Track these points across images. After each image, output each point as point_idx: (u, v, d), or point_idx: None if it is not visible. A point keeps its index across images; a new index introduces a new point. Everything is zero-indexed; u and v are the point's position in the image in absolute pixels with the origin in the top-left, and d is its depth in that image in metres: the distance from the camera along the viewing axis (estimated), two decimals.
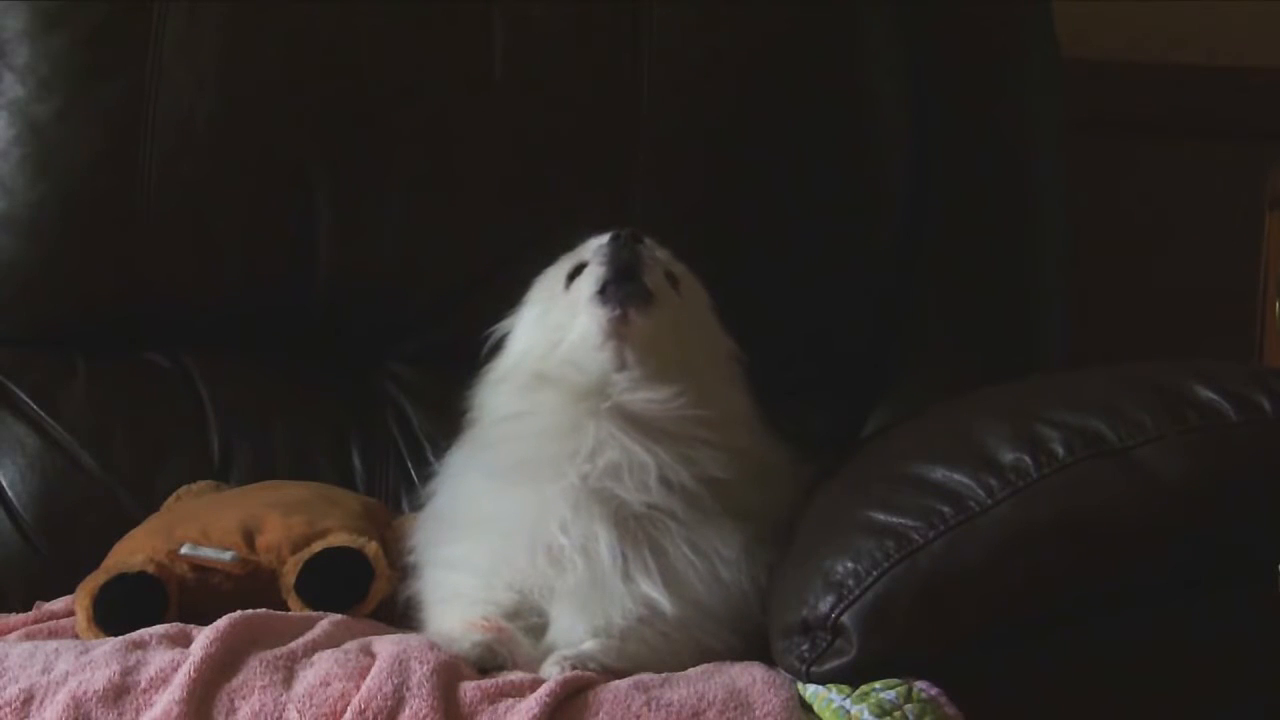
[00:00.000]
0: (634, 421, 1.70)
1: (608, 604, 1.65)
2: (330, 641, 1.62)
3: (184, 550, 1.83)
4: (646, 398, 1.70)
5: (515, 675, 1.57)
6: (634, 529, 1.68)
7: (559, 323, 1.77)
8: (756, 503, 1.72)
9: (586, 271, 1.76)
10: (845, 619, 1.54)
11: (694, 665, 1.61)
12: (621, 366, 1.72)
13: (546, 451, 1.71)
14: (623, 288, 1.73)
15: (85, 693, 1.50)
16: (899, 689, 1.51)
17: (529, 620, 1.68)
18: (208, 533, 1.85)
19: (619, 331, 1.72)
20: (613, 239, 1.76)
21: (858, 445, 1.94)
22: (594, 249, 1.77)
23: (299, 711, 1.49)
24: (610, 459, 1.68)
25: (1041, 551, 1.54)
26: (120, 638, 1.61)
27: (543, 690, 1.51)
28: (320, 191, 2.15)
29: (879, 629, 1.54)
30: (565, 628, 1.66)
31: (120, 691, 1.51)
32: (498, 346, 1.84)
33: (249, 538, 1.85)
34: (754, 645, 1.65)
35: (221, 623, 1.59)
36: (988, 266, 2.27)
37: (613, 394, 1.71)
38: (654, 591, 1.65)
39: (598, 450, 1.69)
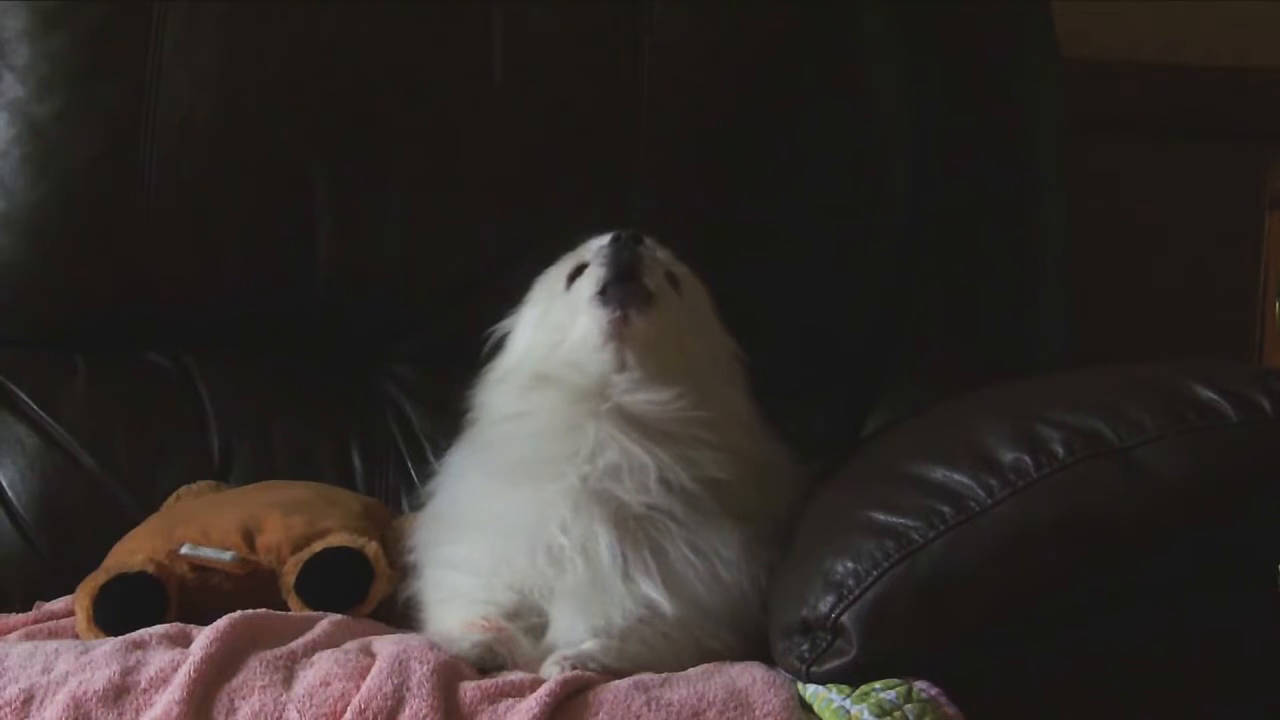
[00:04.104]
0: (634, 423, 1.70)
1: (607, 604, 1.65)
2: (330, 641, 1.62)
3: (184, 550, 1.83)
4: (647, 399, 1.70)
5: (515, 675, 1.57)
6: (634, 529, 1.68)
7: (559, 323, 1.77)
8: (756, 503, 1.72)
9: (587, 272, 1.76)
10: (845, 619, 1.54)
11: (694, 665, 1.61)
12: (622, 367, 1.72)
13: (546, 452, 1.71)
14: (623, 288, 1.73)
15: (85, 693, 1.50)
16: (899, 689, 1.51)
17: (529, 620, 1.68)
18: (208, 533, 1.85)
19: (619, 332, 1.72)
20: (613, 240, 1.76)
21: (858, 445, 1.94)
22: (594, 250, 1.77)
23: (299, 711, 1.49)
24: (610, 460, 1.68)
25: (1041, 551, 1.54)
26: (120, 638, 1.61)
27: (543, 690, 1.51)
28: (320, 191, 2.15)
29: (879, 629, 1.54)
30: (565, 628, 1.66)
31: (120, 691, 1.51)
32: (498, 346, 1.84)
33: (249, 538, 1.85)
34: (754, 645, 1.65)
35: (221, 623, 1.59)
36: (988, 266, 2.27)
37: (613, 395, 1.71)
38: (654, 592, 1.65)
39: (598, 451, 1.69)
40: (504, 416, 1.78)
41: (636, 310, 1.72)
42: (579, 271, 1.78)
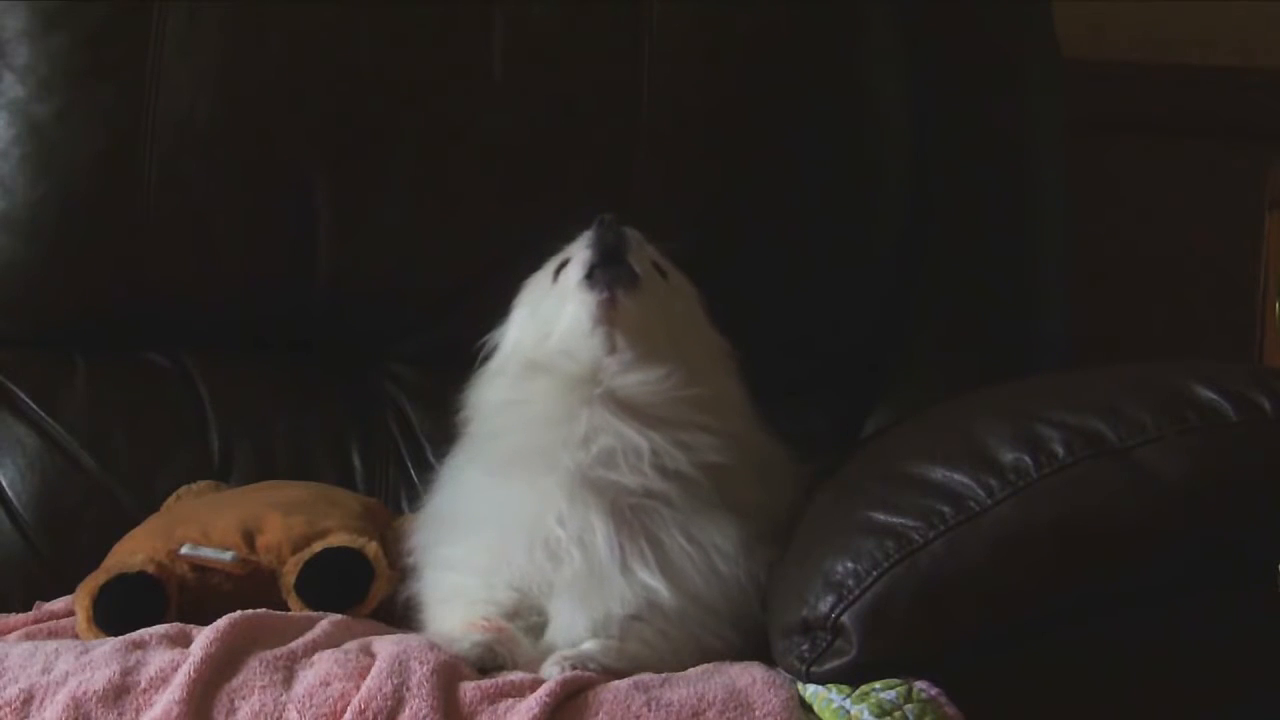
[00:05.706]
0: (627, 406, 1.70)
1: (606, 595, 1.65)
2: (330, 641, 1.62)
3: (184, 550, 1.83)
4: (639, 380, 1.70)
5: (515, 675, 1.57)
6: (630, 519, 1.68)
7: (548, 315, 1.77)
8: (755, 499, 1.72)
9: (573, 259, 1.77)
10: (845, 619, 1.54)
11: (694, 665, 1.61)
12: (612, 350, 1.72)
13: (541, 440, 1.71)
14: (609, 271, 1.73)
15: (85, 693, 1.50)
16: (899, 689, 1.51)
17: (529, 620, 1.68)
18: (208, 533, 1.85)
19: (608, 315, 1.72)
20: (597, 224, 1.77)
21: (858, 445, 1.94)
22: (579, 239, 1.78)
23: (299, 711, 1.49)
24: (604, 445, 1.68)
25: (1042, 551, 1.54)
26: (120, 638, 1.61)
27: (543, 690, 1.51)
28: (320, 192, 2.15)
29: (879, 629, 1.54)
30: (565, 622, 1.66)
31: (120, 691, 1.51)
32: (490, 355, 1.84)
33: (249, 538, 1.85)
34: (753, 643, 1.65)
35: (221, 623, 1.59)
36: (988, 267, 2.27)
37: (604, 379, 1.71)
38: (652, 580, 1.65)
39: (591, 437, 1.69)
40: (498, 407, 1.78)
41: (624, 291, 1.72)
42: (565, 265, 1.78)
